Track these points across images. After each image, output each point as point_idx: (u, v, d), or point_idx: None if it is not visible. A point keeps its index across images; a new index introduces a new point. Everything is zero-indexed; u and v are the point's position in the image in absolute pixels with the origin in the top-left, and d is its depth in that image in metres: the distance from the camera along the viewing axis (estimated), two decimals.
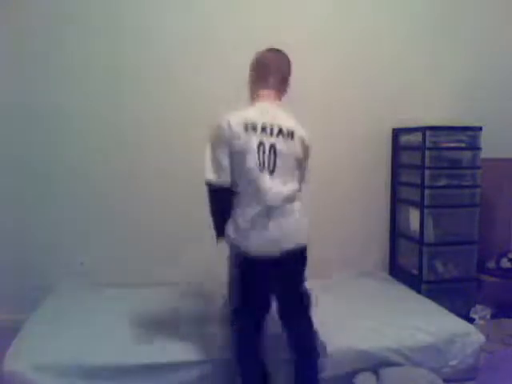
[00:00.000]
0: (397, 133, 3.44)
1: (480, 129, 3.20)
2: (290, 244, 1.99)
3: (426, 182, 3.13)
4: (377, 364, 2.28)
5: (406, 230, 3.39)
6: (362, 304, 2.76)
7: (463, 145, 3.24)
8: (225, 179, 1.94)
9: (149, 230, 3.15)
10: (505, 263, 3.43)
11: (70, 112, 3.03)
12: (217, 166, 1.94)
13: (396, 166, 3.46)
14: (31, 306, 2.62)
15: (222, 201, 1.98)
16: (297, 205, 2.03)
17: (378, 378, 2.21)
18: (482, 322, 3.10)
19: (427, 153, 3.13)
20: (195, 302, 2.78)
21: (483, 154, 3.22)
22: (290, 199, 1.99)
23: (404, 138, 3.42)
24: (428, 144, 3.13)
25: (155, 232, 3.16)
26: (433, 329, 2.43)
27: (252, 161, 1.91)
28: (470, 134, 3.22)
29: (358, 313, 2.63)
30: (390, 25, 3.37)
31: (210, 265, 2.74)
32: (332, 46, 3.28)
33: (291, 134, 1.99)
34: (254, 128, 1.93)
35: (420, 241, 3.17)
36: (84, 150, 3.07)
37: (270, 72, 2.07)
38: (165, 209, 3.15)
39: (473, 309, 3.18)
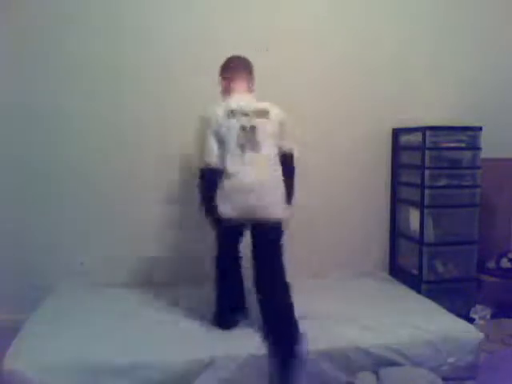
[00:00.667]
0: (397, 133, 3.44)
1: (480, 129, 3.20)
2: (264, 213, 2.32)
3: (426, 182, 3.13)
4: (376, 362, 2.29)
5: (406, 229, 3.39)
6: (361, 304, 2.76)
7: (463, 145, 3.24)
8: (217, 162, 2.33)
9: (149, 229, 3.15)
10: (505, 263, 3.43)
11: (69, 112, 3.03)
12: (211, 151, 2.34)
13: (396, 166, 3.46)
14: (31, 306, 2.63)
15: (214, 181, 2.34)
16: (276, 177, 2.39)
17: (377, 378, 2.21)
18: (482, 321, 3.10)
19: (427, 153, 3.13)
20: (195, 302, 2.78)
21: (483, 154, 3.22)
22: (270, 174, 2.36)
23: (404, 138, 3.42)
24: (428, 144, 3.13)
25: (155, 232, 3.16)
26: (431, 327, 2.44)
27: (235, 142, 2.30)
28: (469, 134, 3.22)
29: (357, 312, 2.63)
30: (390, 25, 3.37)
31: (210, 265, 2.75)
32: (332, 45, 3.28)
33: (267, 114, 2.37)
34: (235, 114, 2.32)
35: (420, 241, 3.17)
36: (84, 150, 3.07)
37: (239, 71, 2.48)
38: (165, 209, 3.15)
39: (473, 309, 3.18)
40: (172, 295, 2.89)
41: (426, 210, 3.14)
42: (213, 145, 2.33)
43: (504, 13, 3.56)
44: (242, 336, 2.35)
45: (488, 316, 3.17)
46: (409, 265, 3.35)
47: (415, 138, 3.26)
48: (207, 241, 2.89)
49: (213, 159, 2.33)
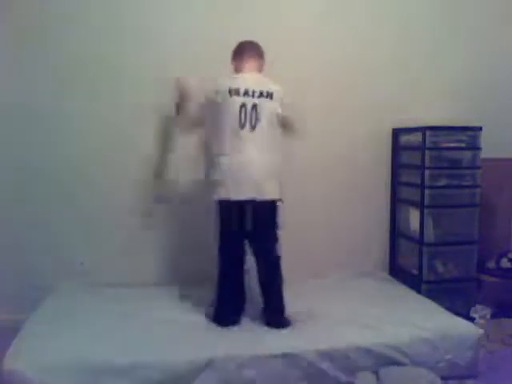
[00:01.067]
0: (397, 133, 3.44)
1: (480, 129, 3.20)
2: (260, 190, 2.40)
3: (426, 182, 3.13)
4: (376, 362, 2.29)
5: (406, 229, 3.39)
6: (361, 304, 2.76)
7: (463, 145, 3.24)
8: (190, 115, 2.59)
9: (149, 229, 3.15)
10: (505, 263, 3.43)
11: (70, 112, 3.03)
12: (190, 111, 2.58)
13: (396, 166, 3.46)
14: (31, 306, 2.62)
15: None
16: (272, 157, 2.47)
17: (378, 378, 2.21)
18: (481, 321, 3.10)
19: (427, 153, 3.13)
20: (195, 301, 2.78)
21: (483, 154, 3.22)
22: (268, 152, 2.44)
23: (404, 138, 3.42)
24: (428, 144, 3.13)
25: (155, 232, 3.16)
26: (430, 325, 2.44)
27: (235, 120, 2.38)
28: (469, 134, 3.22)
29: (357, 312, 2.63)
30: (390, 25, 3.37)
31: (210, 266, 2.75)
32: (332, 45, 3.28)
33: (271, 95, 2.45)
34: (238, 92, 2.41)
35: (420, 241, 3.17)
36: (84, 150, 3.07)
37: (248, 52, 2.58)
38: (165, 209, 3.15)
39: (473, 309, 3.18)
40: (172, 295, 2.89)
41: (426, 210, 3.14)
42: (195, 109, 2.54)
43: (504, 12, 3.56)
44: (241, 336, 2.35)
45: (488, 316, 3.17)
46: (409, 265, 3.35)
47: (415, 138, 3.26)
48: (207, 241, 2.90)
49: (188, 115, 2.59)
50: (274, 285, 2.52)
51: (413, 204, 3.27)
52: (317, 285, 3.10)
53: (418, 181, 3.17)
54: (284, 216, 2.71)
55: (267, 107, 2.43)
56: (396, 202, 3.48)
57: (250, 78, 2.49)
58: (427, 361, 2.34)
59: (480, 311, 3.17)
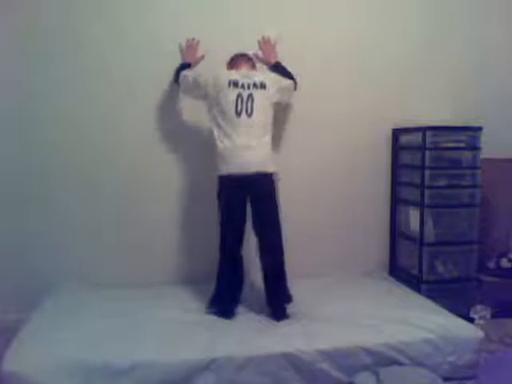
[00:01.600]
0: (397, 133, 3.44)
1: (480, 129, 3.20)
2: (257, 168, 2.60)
3: (426, 182, 3.13)
4: (376, 362, 2.29)
5: (406, 230, 3.39)
6: (361, 304, 2.76)
7: (463, 145, 3.24)
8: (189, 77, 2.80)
9: (149, 229, 3.15)
10: (505, 263, 3.43)
11: (69, 112, 3.03)
12: (194, 76, 2.79)
13: (396, 166, 3.46)
14: (31, 306, 2.63)
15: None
16: (266, 139, 2.70)
17: (378, 378, 2.21)
18: (481, 321, 3.09)
19: (427, 153, 3.13)
20: (196, 301, 2.78)
21: (483, 154, 3.22)
22: (262, 135, 2.66)
23: (404, 138, 3.42)
24: (428, 144, 3.13)
25: (155, 232, 3.16)
26: (431, 326, 2.44)
27: (232, 108, 2.60)
28: (469, 134, 3.21)
29: (357, 312, 2.63)
30: (390, 25, 3.36)
31: (211, 266, 2.75)
32: (332, 45, 3.27)
33: (264, 85, 2.69)
34: (236, 84, 2.64)
35: (420, 241, 3.17)
36: (84, 150, 3.07)
37: (242, 58, 2.84)
38: (165, 209, 3.15)
39: (473, 309, 3.18)
40: (172, 295, 2.89)
41: (426, 210, 3.13)
42: (198, 78, 2.75)
43: (504, 12, 3.56)
44: (241, 336, 2.35)
45: (488, 316, 3.17)
46: (409, 265, 3.35)
47: (415, 138, 3.26)
48: (208, 241, 2.91)
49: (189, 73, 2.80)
50: (276, 266, 2.66)
51: (413, 204, 3.27)
52: (317, 285, 3.10)
53: (418, 181, 3.17)
54: (284, 216, 2.72)
55: (261, 97, 2.67)
56: (396, 202, 3.48)
57: (246, 72, 2.72)
58: (427, 361, 2.34)
59: (480, 311, 3.17)
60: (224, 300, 2.64)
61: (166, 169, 3.14)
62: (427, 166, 3.12)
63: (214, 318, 2.57)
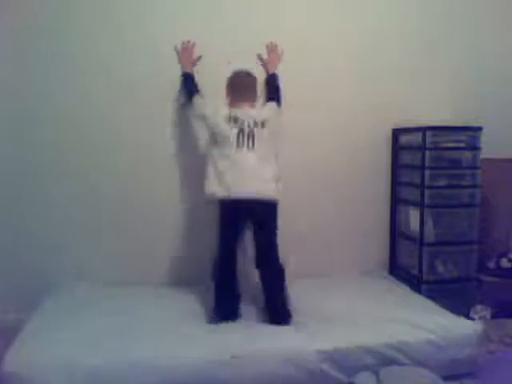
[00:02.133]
0: (397, 133, 3.44)
1: (480, 129, 3.20)
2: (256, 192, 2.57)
3: (426, 182, 3.13)
4: (376, 362, 2.29)
5: (406, 229, 3.39)
6: (361, 303, 2.76)
7: (463, 145, 3.24)
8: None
9: (149, 229, 3.15)
10: (505, 263, 3.43)
11: (69, 112, 3.03)
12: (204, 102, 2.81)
13: (396, 166, 3.46)
14: (31, 306, 2.62)
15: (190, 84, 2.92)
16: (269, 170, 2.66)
17: (378, 378, 2.21)
18: (482, 321, 3.09)
19: (427, 153, 3.13)
20: (196, 302, 2.78)
21: (483, 154, 3.22)
22: (263, 167, 2.63)
23: (404, 138, 3.42)
24: (428, 144, 3.13)
25: (156, 232, 3.16)
26: (431, 325, 2.44)
27: (232, 141, 2.59)
28: (469, 134, 3.22)
29: (357, 312, 2.63)
30: (390, 25, 3.37)
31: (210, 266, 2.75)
32: (332, 45, 3.28)
33: (263, 124, 2.67)
34: (236, 121, 2.62)
35: (420, 241, 3.17)
36: (84, 150, 3.07)
37: (242, 90, 2.77)
38: (165, 209, 3.15)
39: (473, 309, 3.18)
40: (172, 295, 2.89)
41: (426, 210, 3.14)
42: (206, 104, 2.76)
43: (504, 12, 3.56)
44: (241, 336, 2.35)
45: (488, 316, 3.17)
46: (409, 265, 3.35)
47: (415, 138, 3.26)
48: (208, 241, 2.91)
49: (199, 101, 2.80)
50: (276, 280, 2.60)
51: (413, 204, 3.27)
52: (317, 284, 3.10)
53: (418, 181, 3.17)
54: (284, 216, 2.72)
55: (263, 134, 2.65)
56: (396, 201, 3.48)
57: (246, 112, 2.68)
58: (427, 361, 2.34)
59: (480, 311, 3.17)
60: (225, 300, 2.60)
61: (165, 169, 3.13)
62: (427, 166, 3.12)
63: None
